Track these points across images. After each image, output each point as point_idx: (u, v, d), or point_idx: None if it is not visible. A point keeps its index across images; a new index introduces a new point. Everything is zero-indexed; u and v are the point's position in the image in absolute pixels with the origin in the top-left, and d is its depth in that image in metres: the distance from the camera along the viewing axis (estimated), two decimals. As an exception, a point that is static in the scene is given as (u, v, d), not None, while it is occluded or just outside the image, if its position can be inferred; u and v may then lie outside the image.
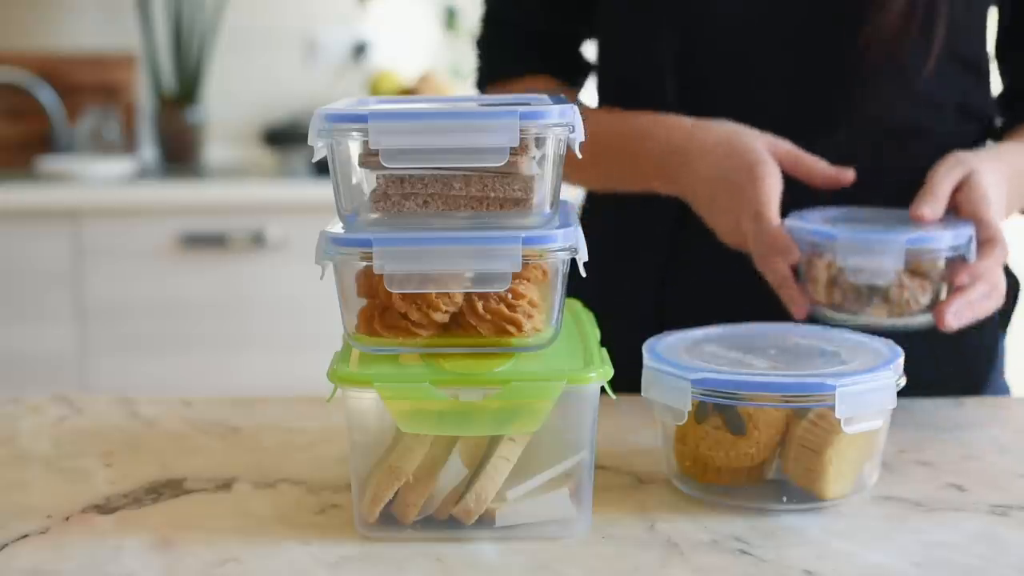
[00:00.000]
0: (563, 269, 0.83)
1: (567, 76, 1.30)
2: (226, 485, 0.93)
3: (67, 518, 0.86)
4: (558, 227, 0.83)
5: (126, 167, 2.92)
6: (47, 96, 3.07)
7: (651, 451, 0.99)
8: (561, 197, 0.93)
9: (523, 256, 0.81)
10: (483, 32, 1.34)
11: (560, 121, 0.81)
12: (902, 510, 0.88)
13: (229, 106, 3.16)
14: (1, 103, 3.11)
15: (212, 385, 2.70)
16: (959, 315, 1.02)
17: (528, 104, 0.84)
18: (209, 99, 3.12)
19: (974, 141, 1.20)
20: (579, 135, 0.82)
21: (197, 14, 3.05)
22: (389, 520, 0.82)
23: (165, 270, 2.70)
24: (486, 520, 0.82)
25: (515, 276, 0.82)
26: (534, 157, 0.82)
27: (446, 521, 0.83)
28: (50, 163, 2.90)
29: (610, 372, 0.82)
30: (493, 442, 0.82)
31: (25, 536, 0.83)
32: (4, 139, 3.12)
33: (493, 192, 0.83)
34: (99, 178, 2.84)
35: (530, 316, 0.83)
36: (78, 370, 2.71)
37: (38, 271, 2.69)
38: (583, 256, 0.82)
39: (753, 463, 0.88)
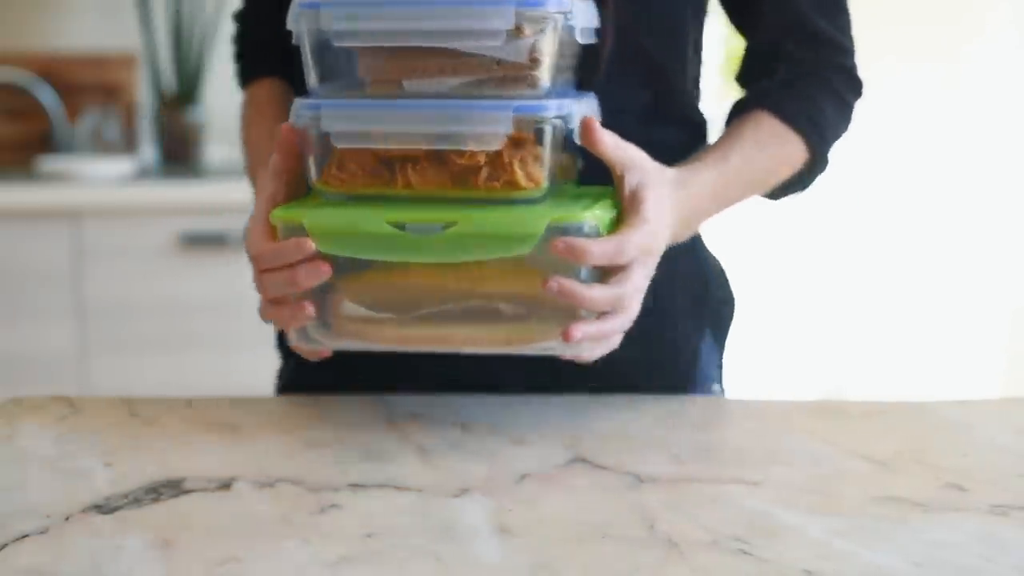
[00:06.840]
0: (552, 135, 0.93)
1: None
2: (226, 485, 0.93)
3: (67, 518, 0.86)
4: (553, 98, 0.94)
5: (126, 167, 2.92)
6: (47, 96, 3.07)
7: (651, 451, 0.99)
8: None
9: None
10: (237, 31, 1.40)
11: (560, 9, 0.93)
12: (902, 510, 0.88)
13: (229, 106, 3.14)
14: (1, 103, 3.11)
15: (212, 385, 2.69)
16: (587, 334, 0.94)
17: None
18: (209, 99, 3.12)
19: (671, 147, 1.12)
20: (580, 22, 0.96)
21: (197, 14, 3.05)
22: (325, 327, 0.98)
23: (165, 270, 2.70)
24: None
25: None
26: (535, 40, 0.92)
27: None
28: (50, 163, 2.90)
29: (597, 216, 0.92)
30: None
31: (25, 536, 0.83)
32: (4, 139, 3.12)
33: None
34: (99, 178, 2.84)
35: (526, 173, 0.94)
36: (78, 370, 2.71)
37: (38, 271, 2.69)
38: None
39: None
